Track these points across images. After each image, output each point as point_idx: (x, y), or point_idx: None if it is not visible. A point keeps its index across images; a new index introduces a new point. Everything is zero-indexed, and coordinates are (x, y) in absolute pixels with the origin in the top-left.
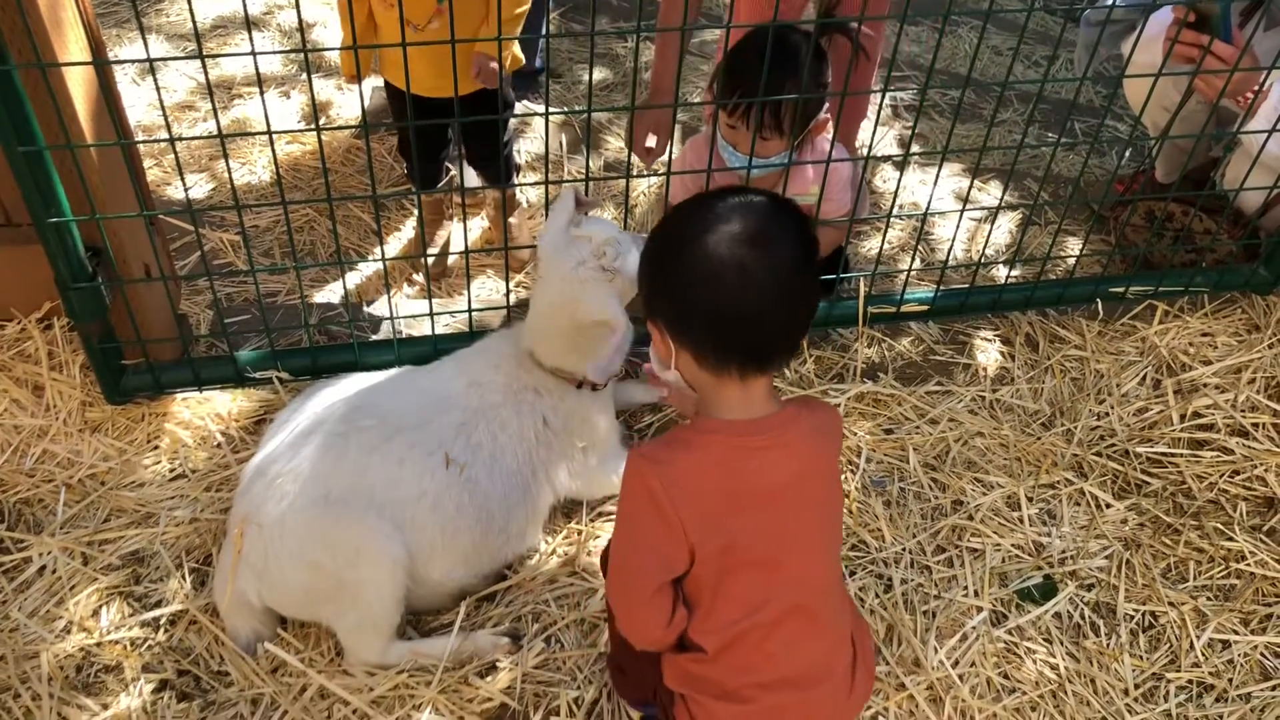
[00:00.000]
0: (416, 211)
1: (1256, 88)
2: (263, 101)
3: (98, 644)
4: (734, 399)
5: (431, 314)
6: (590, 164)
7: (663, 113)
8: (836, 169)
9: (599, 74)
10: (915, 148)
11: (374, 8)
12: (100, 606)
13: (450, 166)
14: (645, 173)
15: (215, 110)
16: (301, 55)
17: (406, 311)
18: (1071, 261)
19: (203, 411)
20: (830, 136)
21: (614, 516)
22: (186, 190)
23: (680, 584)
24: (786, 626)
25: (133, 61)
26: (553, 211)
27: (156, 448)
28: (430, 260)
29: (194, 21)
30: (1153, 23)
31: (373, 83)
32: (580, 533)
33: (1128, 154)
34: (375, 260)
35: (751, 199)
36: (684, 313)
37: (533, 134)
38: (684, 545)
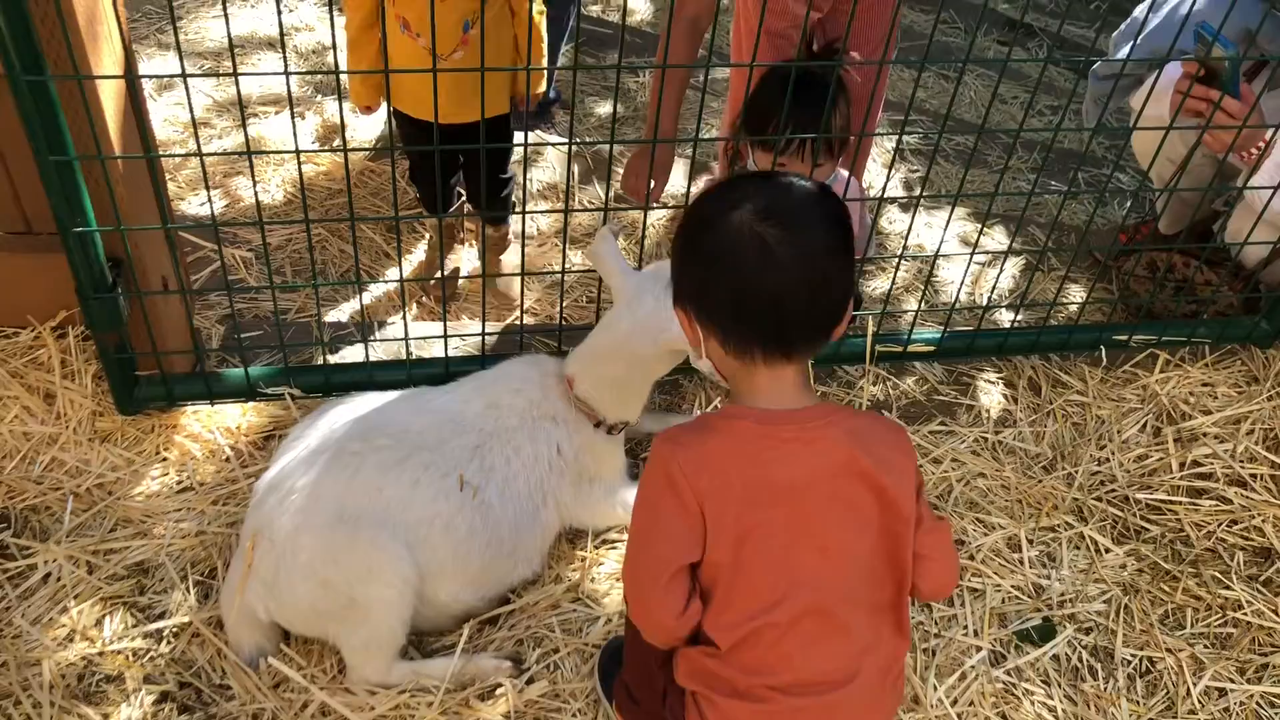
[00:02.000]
0: (433, 235)
1: (1261, 144)
2: (292, 120)
3: (100, 653)
4: (762, 386)
5: (445, 335)
6: (603, 195)
7: (663, 156)
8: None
9: (611, 107)
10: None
11: (390, 39)
12: (104, 616)
13: (461, 191)
14: (656, 205)
15: (245, 127)
16: (319, 77)
17: (419, 333)
18: (1074, 308)
19: (212, 425)
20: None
21: (618, 544)
22: (211, 204)
23: (696, 575)
24: (803, 627)
25: (167, 76)
26: (602, 245)
27: (165, 459)
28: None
29: (229, 38)
30: (1163, 77)
31: (378, 114)
32: (585, 559)
33: (1129, 204)
34: (388, 281)
35: (784, 179)
36: (706, 291)
37: (544, 163)
38: (700, 530)
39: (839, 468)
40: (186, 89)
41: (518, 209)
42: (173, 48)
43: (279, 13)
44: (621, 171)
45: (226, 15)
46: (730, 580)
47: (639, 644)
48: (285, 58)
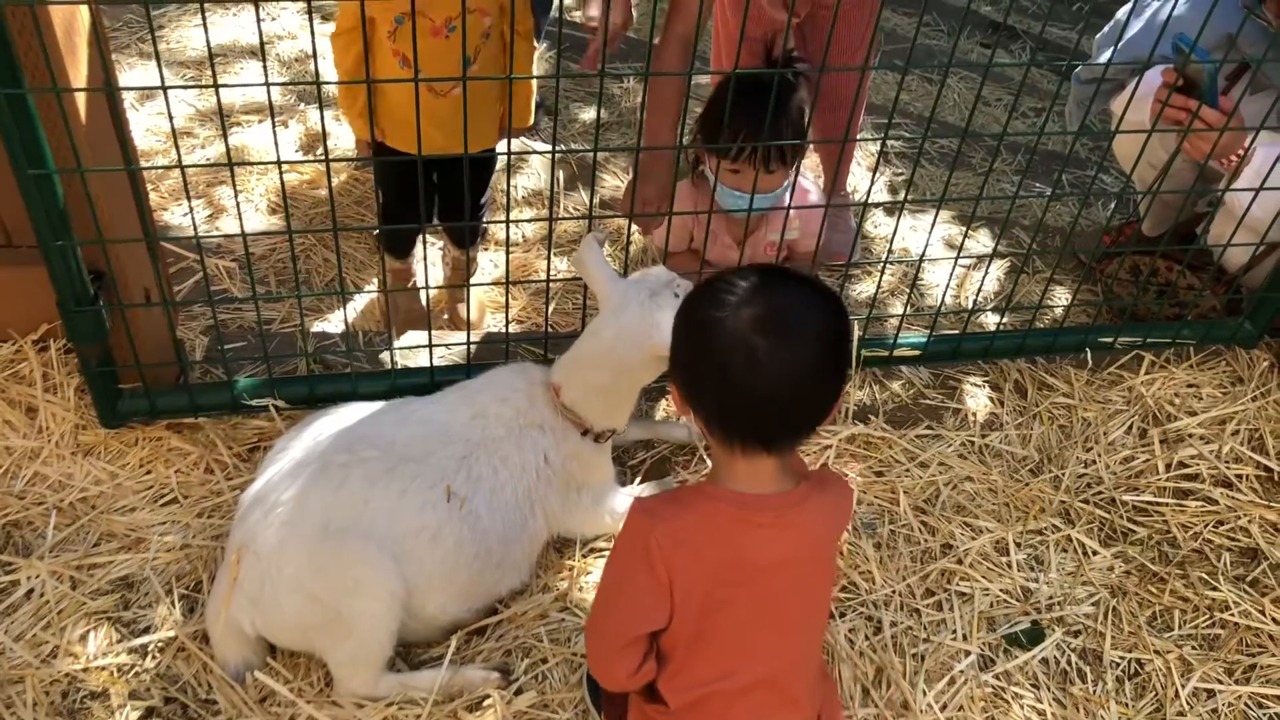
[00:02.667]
0: (397, 273)
1: (1241, 151)
2: (273, 130)
3: (84, 670)
4: (740, 473)
5: (430, 345)
6: (588, 201)
7: (665, 179)
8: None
9: (594, 113)
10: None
11: (387, 79)
12: (88, 632)
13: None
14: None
15: (226, 137)
16: (301, 86)
17: (404, 343)
18: (1059, 311)
19: (196, 437)
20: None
21: (606, 553)
22: (193, 215)
23: (656, 637)
24: (753, 698)
25: (147, 88)
26: (587, 253)
27: (149, 473)
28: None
29: (209, 48)
30: (1144, 84)
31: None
32: (573, 569)
33: (1114, 206)
34: (371, 291)
35: (787, 283)
36: (694, 382)
37: (529, 170)
38: (667, 603)
39: (809, 552)
40: (166, 100)
41: (500, 218)
42: (152, 57)
43: (257, 21)
44: (611, 178)
45: (206, 25)
46: (688, 647)
47: None
48: (265, 68)
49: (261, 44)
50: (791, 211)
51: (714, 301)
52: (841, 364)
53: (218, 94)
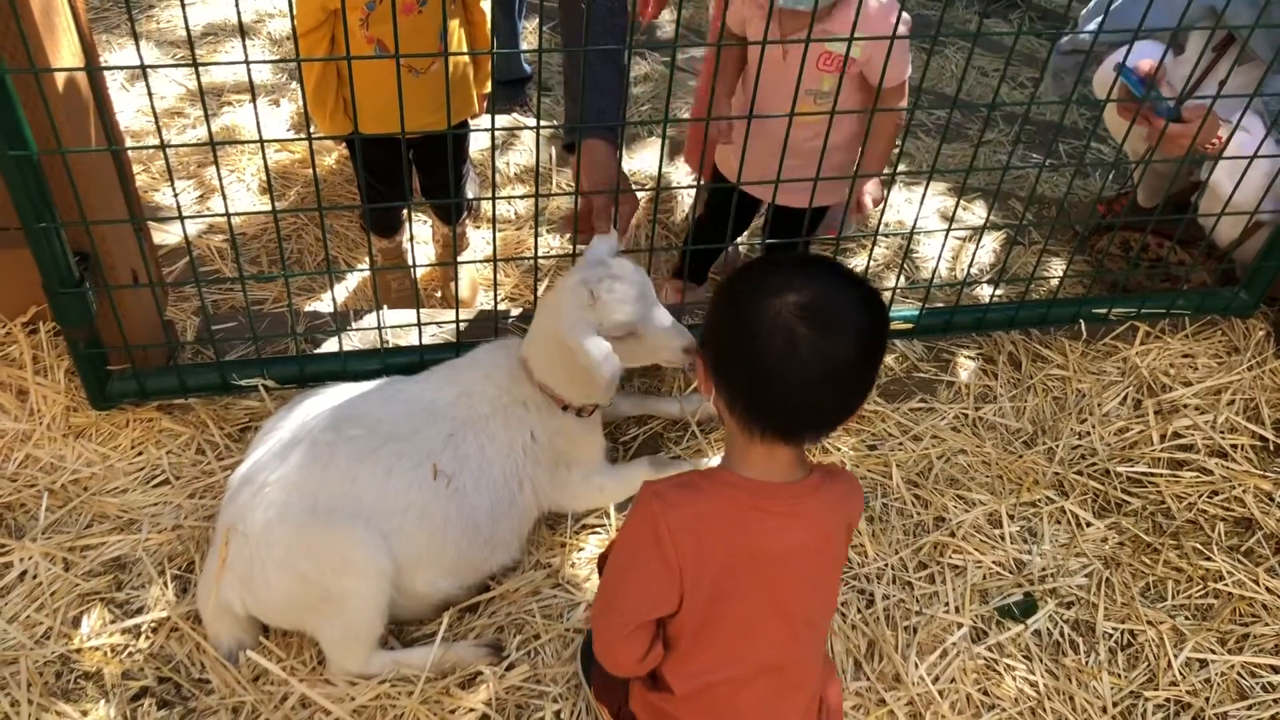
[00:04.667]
0: (386, 252)
1: (1218, 139)
2: (255, 109)
3: (78, 650)
4: (757, 458)
5: (420, 324)
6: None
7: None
8: (887, 22)
9: None
10: (902, 166)
11: (358, 67)
12: (81, 613)
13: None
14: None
15: (208, 117)
16: (291, 64)
17: (393, 321)
18: (1054, 282)
19: (187, 418)
20: None
21: (598, 529)
22: (176, 197)
23: (663, 624)
24: (759, 685)
25: (125, 68)
26: (593, 244)
27: (140, 454)
28: (424, 273)
29: (188, 30)
30: (1102, 68)
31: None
32: (564, 545)
33: (1111, 176)
34: (360, 270)
35: (835, 277)
36: (726, 361)
37: (520, 146)
38: (676, 589)
39: (820, 541)
40: (146, 80)
41: (487, 195)
42: (143, 37)
43: (236, 4)
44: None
45: (184, 6)
46: (695, 635)
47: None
48: (245, 46)
49: (240, 22)
50: (862, 16)
51: (759, 281)
52: (873, 372)
53: (197, 73)
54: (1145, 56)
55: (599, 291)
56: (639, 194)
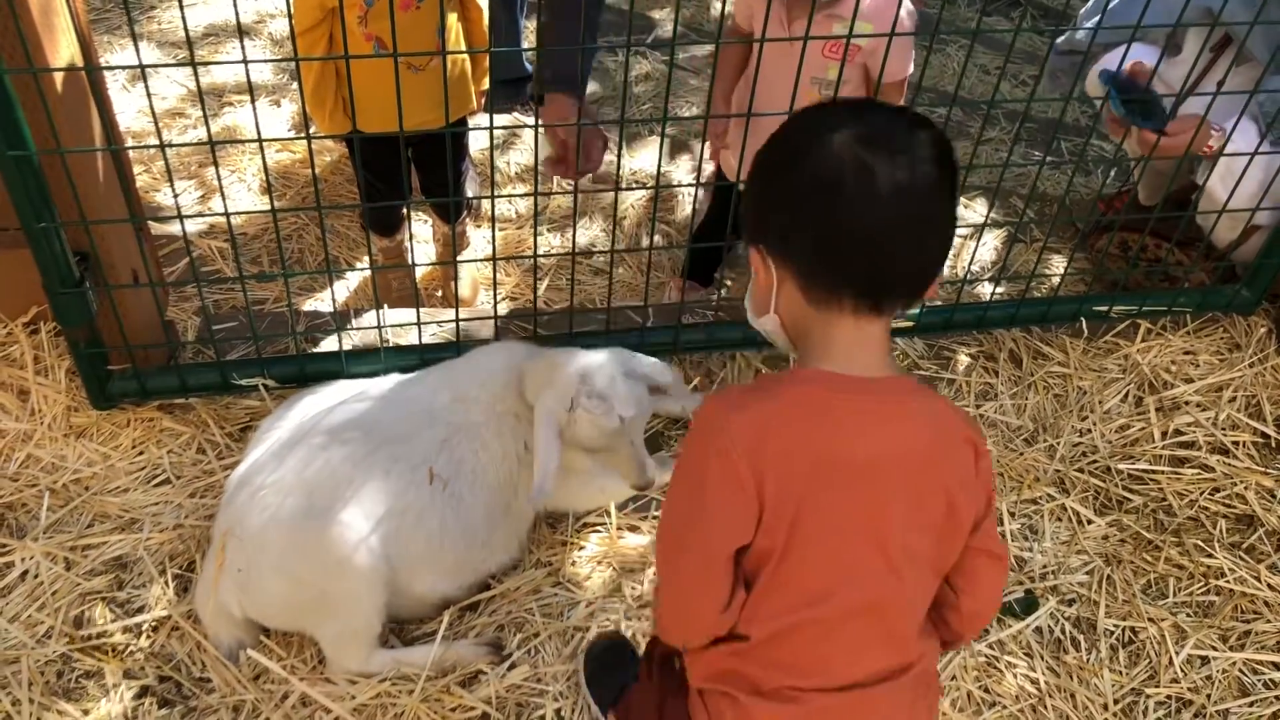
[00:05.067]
0: (386, 251)
1: (1211, 145)
2: (254, 109)
3: (79, 650)
4: (842, 343)
5: (419, 323)
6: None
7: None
8: (895, 9)
9: (589, 87)
10: None
11: (355, 66)
12: (82, 612)
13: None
14: (633, 186)
15: (206, 117)
16: (291, 64)
17: (393, 320)
18: (1055, 279)
19: (188, 418)
20: None
21: (599, 528)
22: (176, 197)
23: (741, 558)
24: (852, 628)
25: (124, 68)
26: (627, 356)
27: (141, 453)
28: (425, 272)
29: (186, 30)
30: (1094, 72)
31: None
32: (565, 543)
33: (1113, 173)
34: (360, 269)
35: (882, 108)
36: (793, 225)
37: (521, 145)
38: (753, 508)
39: (916, 456)
40: (145, 80)
41: (485, 195)
42: (145, 37)
43: (235, 4)
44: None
45: (182, 6)
46: (777, 566)
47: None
48: (243, 46)
49: (239, 22)
50: (864, 4)
51: (805, 128)
52: (954, 205)
53: (195, 73)
54: (1138, 60)
55: (580, 405)
56: (639, 192)
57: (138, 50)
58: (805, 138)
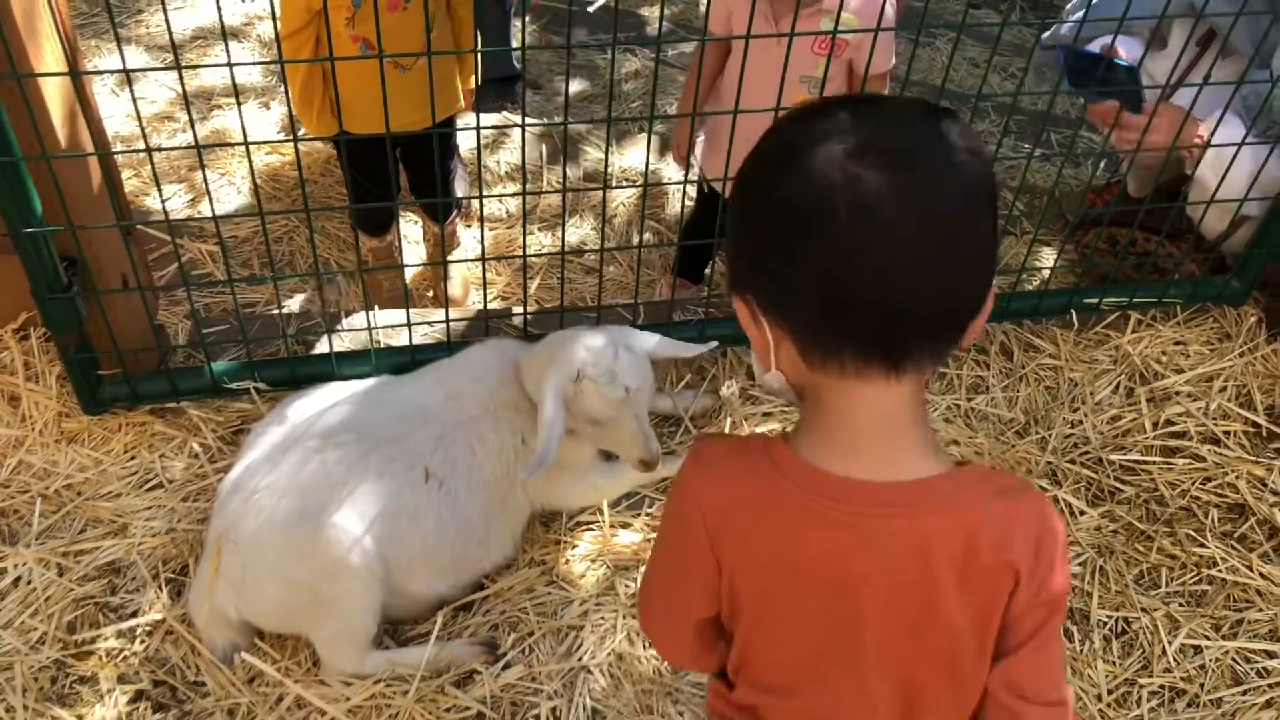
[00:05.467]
0: (376, 251)
1: (1199, 137)
2: (239, 112)
3: (73, 655)
4: (852, 418)
5: (410, 324)
6: (569, 175)
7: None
8: (877, 5)
9: (578, 85)
10: None
11: (343, 68)
12: (76, 618)
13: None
14: (623, 184)
15: (192, 122)
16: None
17: (383, 322)
18: (1046, 272)
19: (180, 422)
20: None
21: (592, 526)
22: (164, 201)
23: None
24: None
25: (109, 72)
26: (632, 333)
27: (133, 458)
28: (417, 272)
29: (170, 33)
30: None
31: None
32: (559, 542)
33: (1102, 165)
34: (348, 270)
35: (885, 104)
36: (773, 270)
37: (511, 144)
38: (713, 578)
39: (905, 585)
40: (130, 84)
41: (474, 194)
42: (133, 41)
43: (218, 7)
44: (594, 150)
45: (166, 9)
46: (745, 642)
47: None
48: (228, 49)
49: (222, 25)
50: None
51: (788, 144)
52: (993, 219)
53: (180, 76)
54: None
55: (585, 376)
56: (629, 190)
57: (122, 55)
58: (784, 155)
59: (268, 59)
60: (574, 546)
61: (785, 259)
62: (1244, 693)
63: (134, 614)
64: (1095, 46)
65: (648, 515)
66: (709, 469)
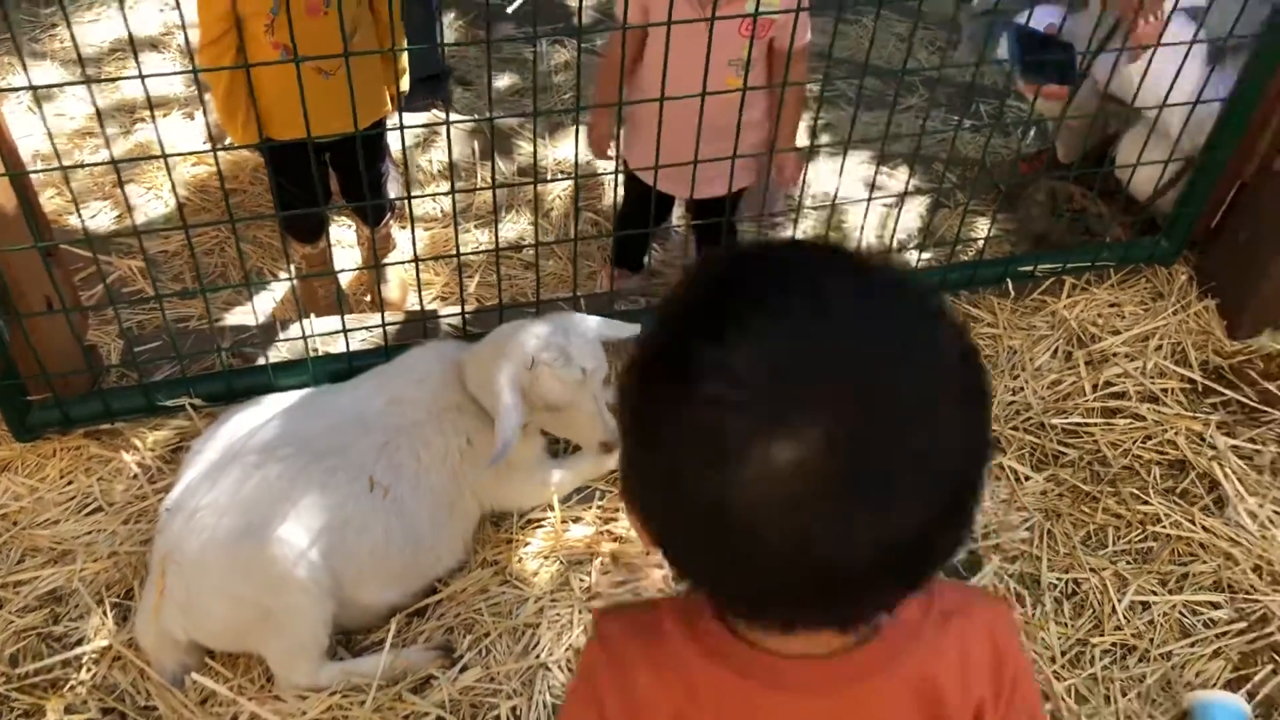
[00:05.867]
0: (309, 259)
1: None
2: (154, 124)
3: (16, 689)
4: (774, 644)
5: (345, 330)
6: (502, 170)
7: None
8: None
9: (510, 79)
10: (824, 138)
11: (260, 75)
12: (18, 650)
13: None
14: (558, 177)
15: (106, 138)
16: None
17: (319, 329)
18: (980, 243)
19: (116, 443)
20: None
21: (543, 523)
22: (84, 219)
23: None
24: None
25: (15, 90)
26: (581, 319)
27: (70, 483)
28: (352, 277)
29: (76, 48)
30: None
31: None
32: (510, 541)
33: (1032, 133)
34: (280, 280)
35: (850, 262)
36: (674, 536)
37: (442, 143)
38: None
39: None
40: (37, 101)
41: (403, 196)
42: (48, 56)
43: (123, 11)
44: (527, 144)
45: (69, 23)
46: None
47: None
48: (138, 61)
49: (130, 37)
50: None
51: (685, 333)
52: (983, 403)
53: (90, 91)
54: (1046, 20)
55: (539, 362)
56: (565, 183)
57: (26, 71)
58: (685, 347)
59: (182, 69)
60: (526, 544)
61: (689, 540)
62: (1192, 644)
63: (79, 642)
64: (1029, 20)
65: (599, 509)
66: (613, 651)
